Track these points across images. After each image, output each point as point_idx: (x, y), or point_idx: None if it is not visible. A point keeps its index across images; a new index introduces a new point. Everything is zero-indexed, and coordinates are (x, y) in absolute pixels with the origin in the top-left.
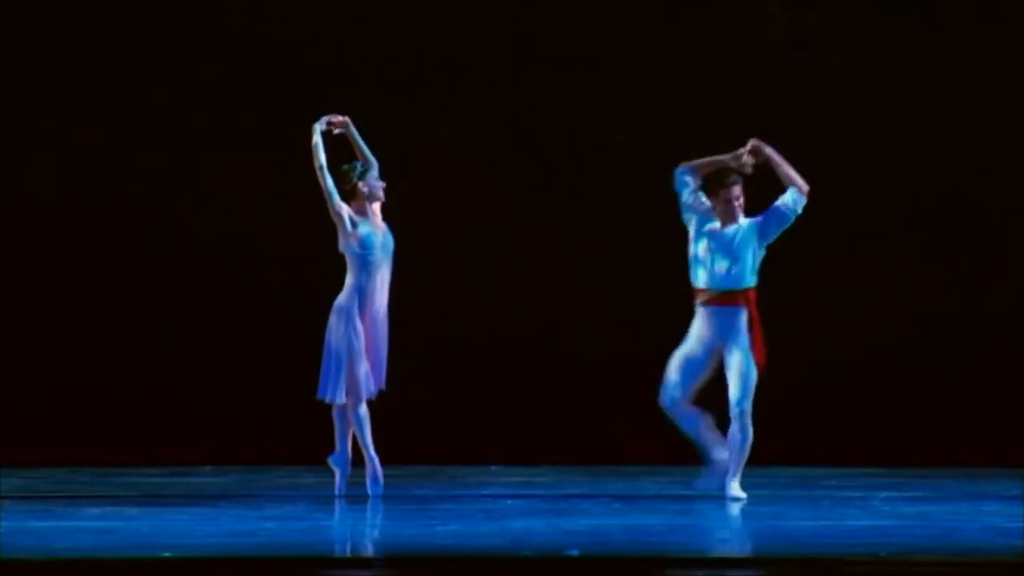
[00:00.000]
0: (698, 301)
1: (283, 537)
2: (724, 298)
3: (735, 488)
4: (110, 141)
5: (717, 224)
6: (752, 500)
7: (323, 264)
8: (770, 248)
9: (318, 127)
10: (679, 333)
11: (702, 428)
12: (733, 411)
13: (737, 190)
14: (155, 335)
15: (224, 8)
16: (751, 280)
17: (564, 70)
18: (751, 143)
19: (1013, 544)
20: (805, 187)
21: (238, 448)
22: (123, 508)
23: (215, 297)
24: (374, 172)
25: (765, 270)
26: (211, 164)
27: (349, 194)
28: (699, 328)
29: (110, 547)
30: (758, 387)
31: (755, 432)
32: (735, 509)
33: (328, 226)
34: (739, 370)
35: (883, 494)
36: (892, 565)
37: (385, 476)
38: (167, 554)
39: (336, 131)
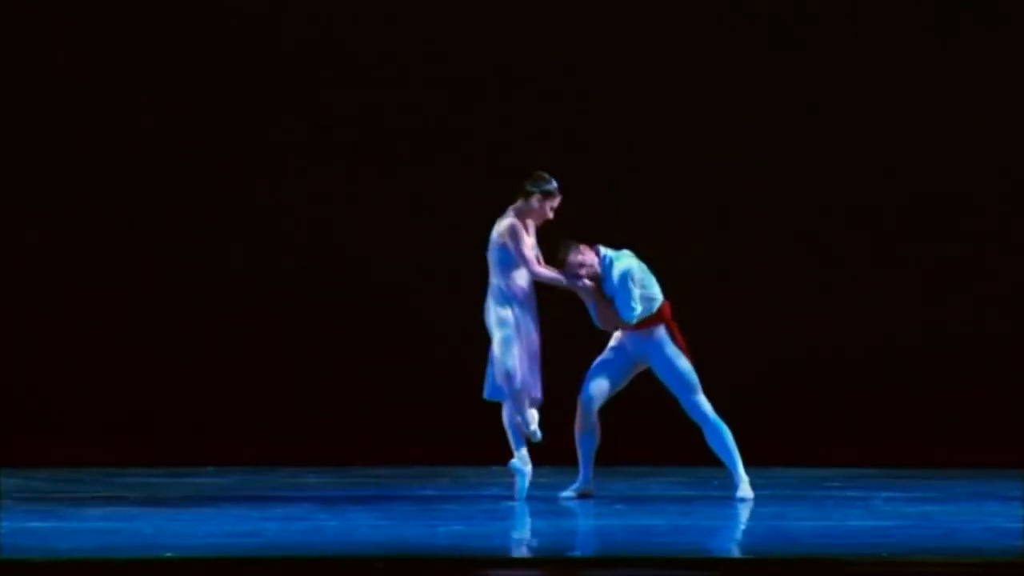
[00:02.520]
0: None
1: (285, 537)
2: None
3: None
4: (113, 143)
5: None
6: (754, 501)
7: (324, 266)
8: (773, 249)
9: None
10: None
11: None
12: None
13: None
14: (157, 336)
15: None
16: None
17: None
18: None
19: (1014, 544)
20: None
21: (240, 448)
22: (125, 508)
23: (217, 298)
24: (557, 200)
25: (767, 271)
26: (212, 166)
27: (524, 195)
28: None
29: (112, 547)
30: (758, 386)
31: (757, 432)
32: (742, 510)
33: (334, 229)
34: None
35: (885, 494)
36: (894, 565)
37: (386, 477)
38: (169, 554)
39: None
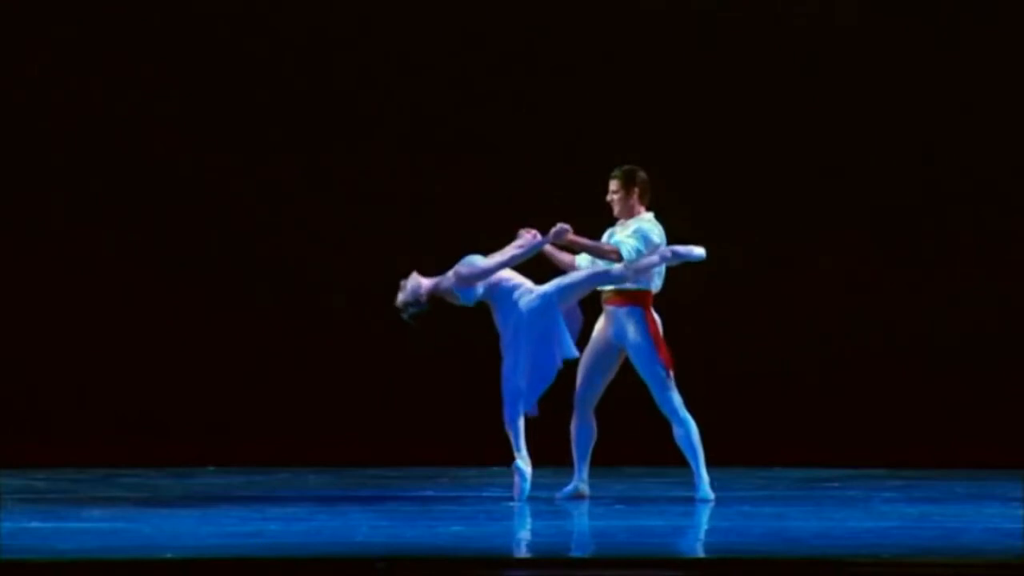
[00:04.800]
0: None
1: (285, 537)
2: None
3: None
4: (113, 144)
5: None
6: (754, 501)
7: (322, 267)
8: (771, 246)
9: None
10: (676, 334)
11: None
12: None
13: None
14: (157, 336)
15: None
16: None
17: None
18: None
19: (1014, 545)
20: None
21: (240, 448)
22: (125, 509)
23: (217, 298)
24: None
25: (766, 271)
26: (213, 166)
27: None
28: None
29: (112, 548)
30: (759, 386)
31: (757, 432)
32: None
33: (334, 230)
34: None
35: (885, 494)
36: (894, 566)
37: (386, 477)
38: (169, 555)
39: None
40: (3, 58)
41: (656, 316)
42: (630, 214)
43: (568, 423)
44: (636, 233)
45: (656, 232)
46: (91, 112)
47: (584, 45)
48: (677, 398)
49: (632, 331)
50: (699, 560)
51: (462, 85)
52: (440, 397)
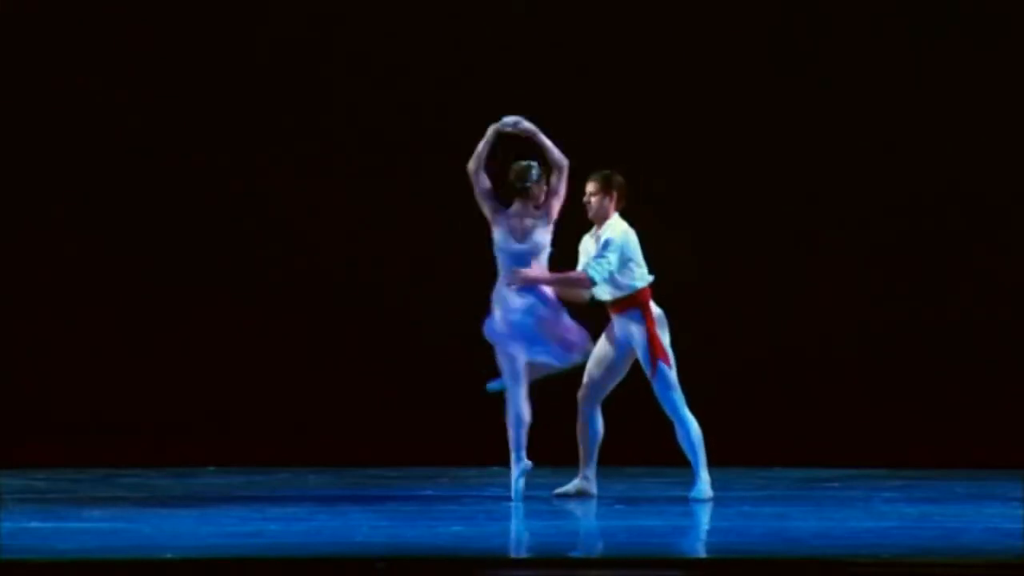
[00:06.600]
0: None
1: (285, 537)
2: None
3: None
4: (112, 144)
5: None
6: (754, 501)
7: (324, 267)
8: (771, 246)
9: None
10: (676, 334)
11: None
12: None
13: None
14: (158, 336)
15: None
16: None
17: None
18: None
19: (1015, 545)
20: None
21: (240, 448)
22: (125, 509)
23: (218, 299)
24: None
25: (767, 270)
26: (215, 167)
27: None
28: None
29: (112, 548)
30: (758, 386)
31: (757, 432)
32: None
33: (334, 231)
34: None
35: (885, 495)
36: (894, 566)
37: (386, 477)
38: (169, 555)
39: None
40: (4, 57)
41: (657, 309)
42: (605, 217)
43: (569, 423)
44: (605, 256)
45: (630, 238)
46: (93, 111)
47: (580, 46)
48: (680, 398)
49: (636, 332)
50: (699, 560)
51: (451, 86)
52: (440, 397)
